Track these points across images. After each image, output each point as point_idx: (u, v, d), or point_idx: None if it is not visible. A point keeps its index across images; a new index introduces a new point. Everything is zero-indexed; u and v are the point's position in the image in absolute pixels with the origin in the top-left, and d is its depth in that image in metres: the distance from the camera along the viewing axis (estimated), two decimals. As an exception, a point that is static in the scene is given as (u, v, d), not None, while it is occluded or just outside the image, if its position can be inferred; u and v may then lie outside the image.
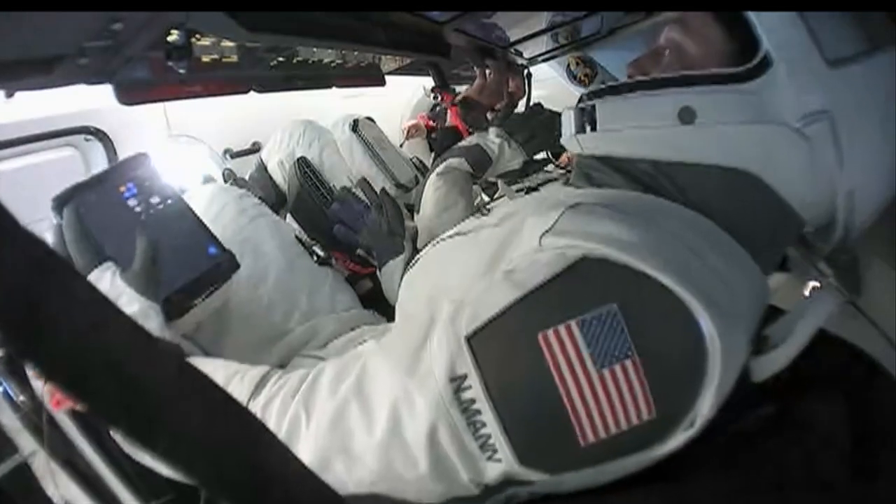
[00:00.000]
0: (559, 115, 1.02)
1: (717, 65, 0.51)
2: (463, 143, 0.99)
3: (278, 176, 1.36)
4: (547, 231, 0.40)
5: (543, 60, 1.38)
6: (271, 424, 0.45)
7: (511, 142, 0.96)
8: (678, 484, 0.41)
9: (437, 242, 0.60)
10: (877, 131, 0.47)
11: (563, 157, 1.54)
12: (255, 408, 0.47)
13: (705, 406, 0.36)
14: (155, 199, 0.64)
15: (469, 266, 0.46)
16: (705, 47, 0.52)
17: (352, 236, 0.89)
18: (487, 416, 0.37)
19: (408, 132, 1.95)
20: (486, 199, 1.45)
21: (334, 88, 1.08)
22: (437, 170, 0.94)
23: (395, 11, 0.69)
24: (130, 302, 0.59)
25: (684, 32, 0.53)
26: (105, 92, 0.63)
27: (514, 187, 1.36)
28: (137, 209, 0.63)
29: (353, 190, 0.95)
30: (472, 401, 0.37)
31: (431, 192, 0.92)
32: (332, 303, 0.88)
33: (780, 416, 0.45)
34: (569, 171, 1.43)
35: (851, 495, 0.42)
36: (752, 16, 0.46)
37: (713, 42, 0.51)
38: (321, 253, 0.95)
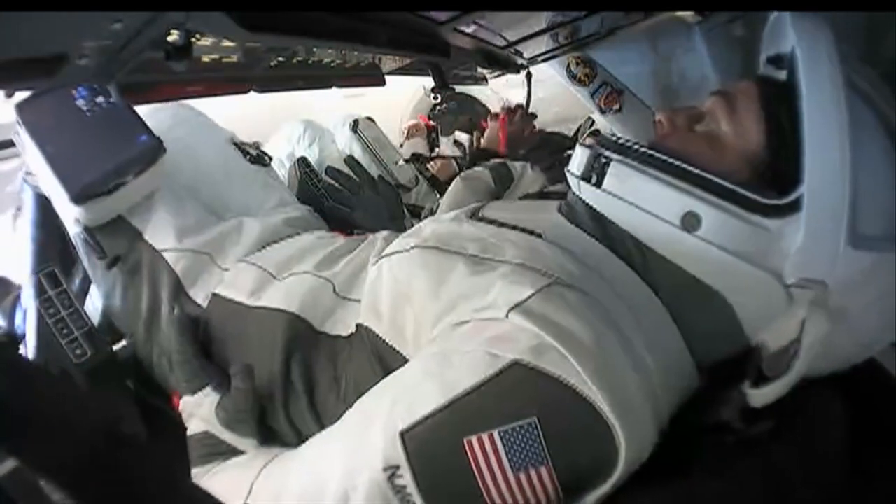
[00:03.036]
0: (571, 141, 1.06)
1: (741, 164, 0.48)
2: (491, 161, 1.08)
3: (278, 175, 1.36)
4: (517, 306, 0.43)
5: (543, 60, 1.38)
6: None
7: (534, 167, 1.04)
8: (678, 485, 0.41)
9: (413, 247, 0.58)
10: (855, 316, 0.44)
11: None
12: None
13: (615, 479, 0.41)
14: (100, 99, 0.72)
15: (435, 300, 0.50)
16: (739, 139, 0.49)
17: (346, 213, 0.91)
18: (418, 501, 0.41)
19: (408, 132, 1.96)
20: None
21: (334, 88, 1.08)
22: (461, 175, 1.00)
23: (395, 11, 0.69)
24: (223, 433, 0.63)
25: (729, 113, 0.50)
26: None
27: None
28: (84, 108, 0.71)
29: (341, 169, 0.97)
30: (405, 487, 0.41)
31: (450, 191, 0.98)
32: (261, 199, 0.93)
33: (781, 416, 0.45)
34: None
35: (851, 494, 0.42)
36: (808, 149, 0.43)
37: (749, 139, 0.49)
38: (253, 152, 0.99)
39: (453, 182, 0.99)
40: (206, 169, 0.91)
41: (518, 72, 1.44)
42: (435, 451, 0.41)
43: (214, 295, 0.71)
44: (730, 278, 0.46)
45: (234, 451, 0.63)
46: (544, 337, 0.40)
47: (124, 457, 0.25)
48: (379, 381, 0.53)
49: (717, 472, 0.42)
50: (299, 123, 1.40)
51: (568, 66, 1.44)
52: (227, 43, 0.65)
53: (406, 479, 0.41)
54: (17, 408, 0.23)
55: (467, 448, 0.40)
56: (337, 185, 0.94)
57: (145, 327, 0.75)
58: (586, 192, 0.54)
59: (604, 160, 0.52)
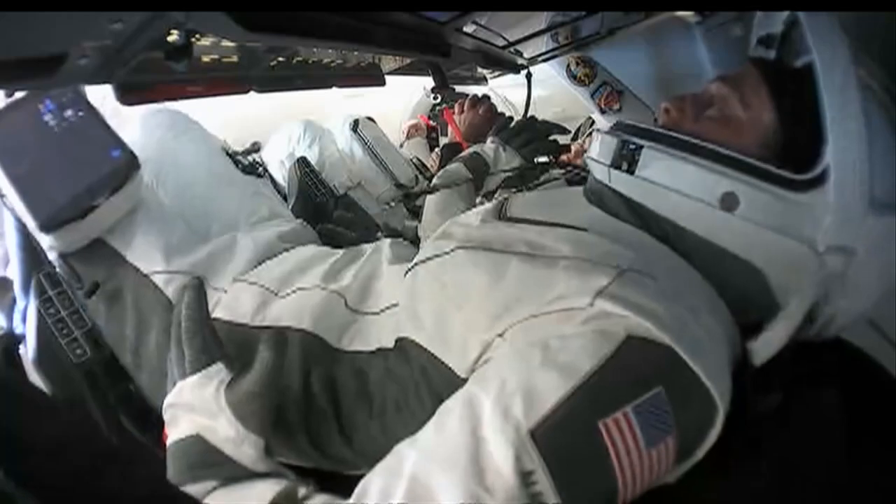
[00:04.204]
0: (551, 124, 1.05)
1: (756, 145, 0.50)
2: (462, 154, 1.05)
3: (278, 176, 1.36)
4: (600, 292, 0.42)
5: (543, 60, 1.38)
6: None
7: (506, 147, 1.01)
8: (679, 484, 0.41)
9: (453, 250, 0.56)
10: (878, 274, 0.48)
11: (564, 157, 1.54)
12: None
13: (707, 446, 0.41)
14: (68, 113, 0.66)
15: (490, 301, 0.47)
16: (752, 121, 0.51)
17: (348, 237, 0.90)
18: (551, 501, 0.37)
19: (408, 132, 1.96)
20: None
21: (334, 88, 1.08)
22: (438, 175, 0.98)
23: (395, 11, 0.69)
24: (227, 426, 0.50)
25: (738, 96, 0.52)
26: (105, 92, 0.63)
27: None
28: (51, 123, 0.65)
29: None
30: (540, 493, 0.37)
31: (431, 196, 0.95)
32: (251, 209, 0.90)
33: (781, 414, 0.45)
34: (568, 171, 1.43)
35: (851, 492, 0.42)
36: (830, 127, 0.45)
37: (761, 120, 0.51)
38: (245, 161, 0.97)
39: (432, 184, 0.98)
40: (191, 178, 0.88)
41: (518, 72, 1.45)
42: (570, 443, 0.38)
43: (215, 319, 0.64)
44: (766, 251, 0.48)
45: (226, 461, 0.50)
46: (635, 318, 0.40)
47: (109, 471, 0.25)
48: (423, 394, 0.50)
49: (718, 470, 0.42)
50: (299, 123, 1.40)
51: (568, 66, 1.44)
52: (227, 43, 0.65)
53: (542, 483, 0.37)
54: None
55: (604, 432, 0.37)
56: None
57: (132, 356, 0.68)
58: (618, 180, 0.54)
59: (633, 147, 0.52)
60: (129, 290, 0.70)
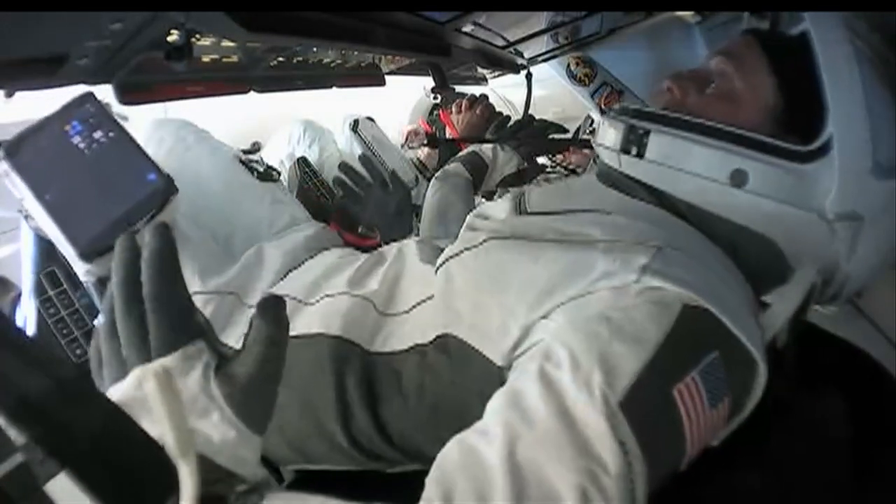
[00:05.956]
0: (549, 123, 1.04)
1: (761, 118, 0.51)
2: (461, 153, 1.05)
3: (278, 176, 1.36)
4: (644, 268, 0.43)
5: (543, 60, 1.38)
6: None
7: (504, 146, 1.01)
8: (680, 483, 0.41)
9: (485, 241, 0.56)
10: (884, 240, 0.50)
11: (561, 157, 1.54)
12: None
13: (748, 410, 0.43)
14: (98, 134, 0.63)
15: (530, 285, 0.47)
16: (754, 94, 0.52)
17: (353, 209, 0.89)
18: (638, 470, 0.37)
19: (406, 136, 1.95)
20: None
21: (334, 88, 1.08)
22: (436, 175, 0.98)
23: (395, 11, 0.69)
24: (224, 426, 0.34)
25: (738, 70, 0.53)
26: (105, 92, 0.63)
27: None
28: (81, 146, 0.63)
29: (353, 166, 0.95)
30: (631, 463, 0.36)
31: (431, 196, 0.95)
32: (272, 218, 0.88)
33: (782, 415, 0.45)
34: (569, 172, 1.43)
35: (852, 493, 0.42)
36: (830, 96, 0.46)
37: (763, 92, 0.52)
38: (260, 168, 0.95)
39: (431, 184, 0.97)
40: (208, 189, 0.87)
41: (518, 72, 1.45)
42: (653, 412, 0.39)
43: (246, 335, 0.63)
44: (778, 223, 0.49)
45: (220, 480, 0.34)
46: (681, 290, 0.42)
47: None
48: (459, 385, 0.50)
49: (720, 470, 0.42)
50: (299, 123, 1.40)
51: (568, 66, 1.44)
52: (227, 43, 0.65)
53: (633, 452, 0.36)
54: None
55: (678, 397, 0.39)
56: (348, 181, 0.92)
57: None
58: (628, 164, 0.54)
59: (640, 131, 0.53)
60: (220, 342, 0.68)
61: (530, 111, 1.31)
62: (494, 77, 1.82)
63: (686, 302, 0.41)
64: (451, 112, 1.31)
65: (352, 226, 1.10)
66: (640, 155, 0.53)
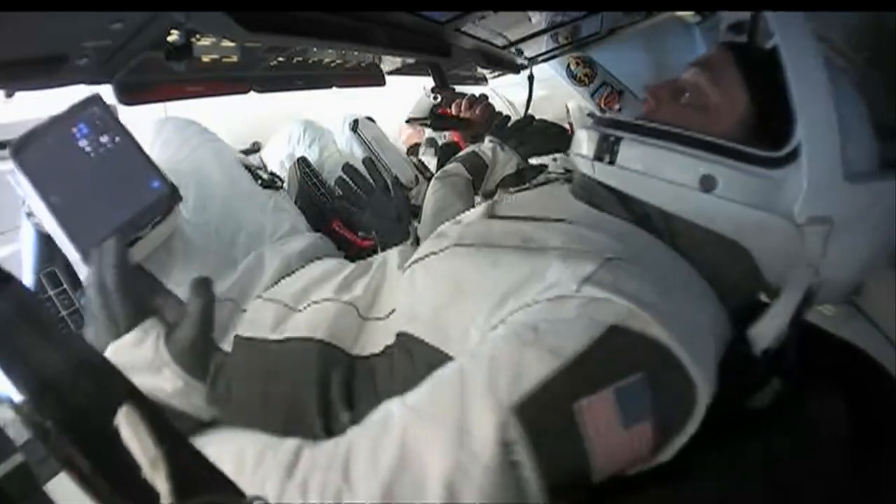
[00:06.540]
0: (549, 123, 1.05)
1: (733, 126, 0.52)
2: (460, 153, 1.05)
3: (278, 176, 1.36)
4: (586, 279, 0.44)
5: (543, 60, 1.38)
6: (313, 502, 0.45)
7: (504, 146, 1.01)
8: (681, 483, 0.41)
9: (449, 247, 0.58)
10: (861, 242, 0.50)
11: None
12: (293, 488, 0.46)
13: (690, 431, 0.42)
14: (104, 138, 0.65)
15: (488, 293, 0.49)
16: (726, 104, 0.53)
17: (353, 212, 0.90)
18: (530, 473, 0.40)
19: (407, 146, 1.94)
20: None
21: (334, 88, 1.08)
22: (436, 175, 0.98)
23: (395, 11, 0.69)
24: (173, 378, 0.53)
25: (710, 81, 0.54)
26: (105, 92, 0.63)
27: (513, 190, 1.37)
28: (87, 149, 0.64)
29: (357, 168, 0.95)
30: (519, 462, 0.39)
31: (430, 196, 0.95)
32: (274, 225, 0.89)
33: (782, 415, 0.45)
34: (567, 171, 1.43)
35: (852, 493, 0.42)
36: (798, 103, 0.47)
37: (735, 102, 0.53)
38: (265, 176, 0.95)
39: (430, 183, 0.98)
40: (215, 192, 0.87)
41: (518, 72, 1.45)
42: (551, 419, 0.40)
43: (236, 337, 0.67)
44: (748, 228, 0.50)
45: (177, 417, 0.54)
46: (621, 301, 0.42)
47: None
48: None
49: (718, 471, 0.42)
50: (299, 123, 1.40)
51: (568, 66, 1.44)
52: (227, 43, 0.65)
53: (522, 453, 0.39)
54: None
55: (583, 410, 0.40)
56: (350, 183, 0.92)
57: None
58: (602, 172, 0.55)
59: (613, 139, 0.54)
60: (170, 315, 0.71)
61: (530, 111, 1.32)
62: (494, 77, 1.82)
63: (619, 321, 0.41)
64: (451, 111, 1.31)
65: (351, 226, 1.10)
66: (612, 162, 0.54)
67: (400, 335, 0.57)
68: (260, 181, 0.92)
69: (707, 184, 0.49)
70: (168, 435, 0.27)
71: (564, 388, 0.40)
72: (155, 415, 0.28)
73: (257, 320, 0.68)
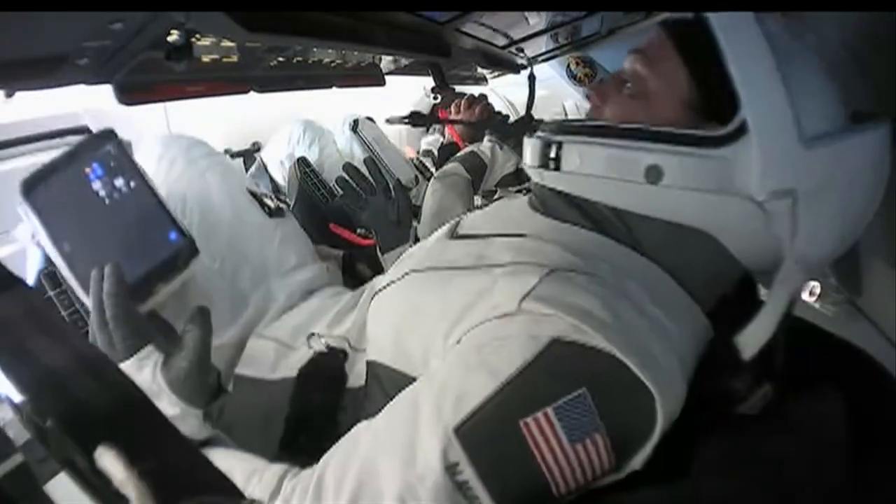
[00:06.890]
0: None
1: (678, 111, 0.50)
2: (459, 153, 1.06)
3: (278, 176, 1.36)
4: (526, 295, 0.44)
5: (543, 60, 1.38)
6: None
7: (502, 145, 1.02)
8: (678, 484, 0.41)
9: (408, 273, 0.59)
10: (834, 208, 0.47)
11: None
12: None
13: (655, 439, 0.42)
14: (119, 182, 0.62)
15: (443, 315, 0.49)
16: (667, 88, 0.51)
17: (353, 213, 0.90)
18: (480, 493, 0.40)
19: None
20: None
21: (334, 88, 1.08)
22: (436, 175, 0.99)
23: (395, 11, 0.69)
24: (171, 405, 0.54)
25: (648, 67, 0.52)
26: (105, 92, 0.63)
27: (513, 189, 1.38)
28: (101, 193, 0.62)
29: (359, 168, 0.95)
30: (467, 482, 0.40)
31: (429, 196, 0.96)
32: (280, 258, 0.88)
33: (781, 415, 0.45)
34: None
35: (852, 495, 0.42)
36: (736, 76, 0.44)
37: (676, 85, 0.50)
38: (272, 204, 0.94)
39: (430, 184, 0.99)
40: (221, 219, 0.85)
41: (518, 72, 1.45)
42: (492, 440, 0.41)
43: (236, 375, 0.68)
44: (707, 213, 0.48)
45: None
46: (563, 316, 0.41)
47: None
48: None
49: (718, 472, 0.42)
50: (299, 124, 1.40)
51: (568, 66, 1.44)
52: (227, 43, 0.65)
53: (467, 473, 0.40)
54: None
55: (524, 430, 0.40)
56: (352, 182, 0.92)
57: None
58: (549, 178, 0.55)
59: (554, 144, 0.53)
60: (168, 344, 0.70)
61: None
62: (494, 77, 1.82)
63: (559, 335, 0.41)
64: (450, 112, 1.31)
65: (351, 226, 1.10)
66: (557, 167, 0.53)
67: (370, 363, 0.59)
68: (266, 209, 0.91)
69: (653, 175, 0.47)
70: (164, 438, 0.27)
71: (503, 409, 0.41)
72: (154, 416, 0.28)
73: (256, 359, 0.70)
